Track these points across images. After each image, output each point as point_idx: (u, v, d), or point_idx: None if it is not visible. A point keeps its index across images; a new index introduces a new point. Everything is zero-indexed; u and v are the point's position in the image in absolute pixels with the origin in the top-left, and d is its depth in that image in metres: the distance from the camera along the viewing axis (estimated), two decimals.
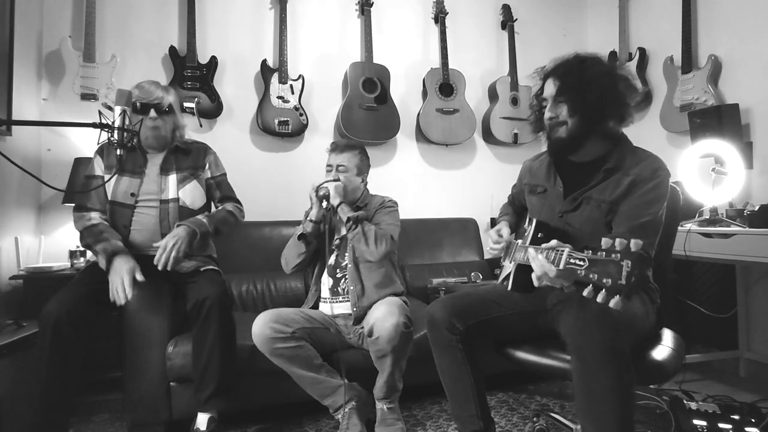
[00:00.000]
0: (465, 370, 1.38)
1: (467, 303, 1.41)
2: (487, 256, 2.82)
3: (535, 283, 1.11)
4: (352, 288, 1.85)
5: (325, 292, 1.91)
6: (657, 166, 1.28)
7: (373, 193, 2.06)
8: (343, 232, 1.92)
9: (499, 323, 1.39)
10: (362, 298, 1.84)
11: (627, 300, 0.89)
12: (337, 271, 1.91)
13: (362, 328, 1.79)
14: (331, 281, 1.91)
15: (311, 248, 1.93)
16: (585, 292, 0.93)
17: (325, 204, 1.86)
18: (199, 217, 1.82)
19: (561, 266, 1.00)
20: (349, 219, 1.82)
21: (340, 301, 1.87)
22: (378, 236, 1.81)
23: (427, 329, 1.43)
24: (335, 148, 1.97)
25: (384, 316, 1.64)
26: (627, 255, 0.88)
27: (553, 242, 1.07)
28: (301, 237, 1.90)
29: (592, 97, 1.27)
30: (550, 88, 1.34)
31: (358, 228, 1.82)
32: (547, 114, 1.36)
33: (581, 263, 0.95)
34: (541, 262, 1.07)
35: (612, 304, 0.89)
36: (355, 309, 1.83)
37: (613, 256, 0.89)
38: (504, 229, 1.49)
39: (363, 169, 2.00)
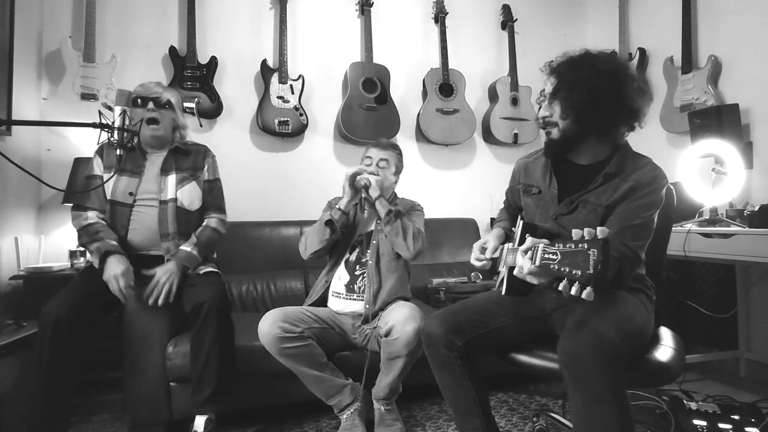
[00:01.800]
0: (466, 385, 1.35)
1: (465, 318, 1.37)
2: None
3: (519, 276, 1.09)
4: (368, 286, 1.83)
5: (339, 287, 1.88)
6: (656, 174, 1.26)
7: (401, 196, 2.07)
8: (368, 228, 1.92)
9: (498, 333, 1.36)
10: (377, 298, 1.82)
11: (599, 290, 0.88)
12: (357, 267, 1.89)
13: (373, 328, 1.77)
14: (348, 277, 1.88)
15: (334, 238, 1.88)
16: (560, 287, 0.93)
17: (363, 195, 1.87)
18: (188, 249, 1.80)
19: (537, 262, 0.99)
20: (390, 211, 1.81)
21: (353, 299, 1.84)
22: (415, 233, 1.81)
23: (424, 347, 1.40)
24: (379, 143, 2.00)
25: (405, 319, 1.63)
26: (593, 243, 0.88)
27: (529, 240, 1.06)
28: (328, 223, 1.85)
29: (583, 98, 1.22)
30: (549, 86, 1.31)
31: (397, 221, 1.81)
32: (541, 112, 1.34)
33: (554, 257, 0.95)
34: (519, 262, 1.06)
35: (584, 295, 0.89)
36: (367, 307, 1.81)
37: (581, 246, 0.90)
38: (491, 242, 1.45)
39: (399, 168, 2.03)
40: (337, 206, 1.88)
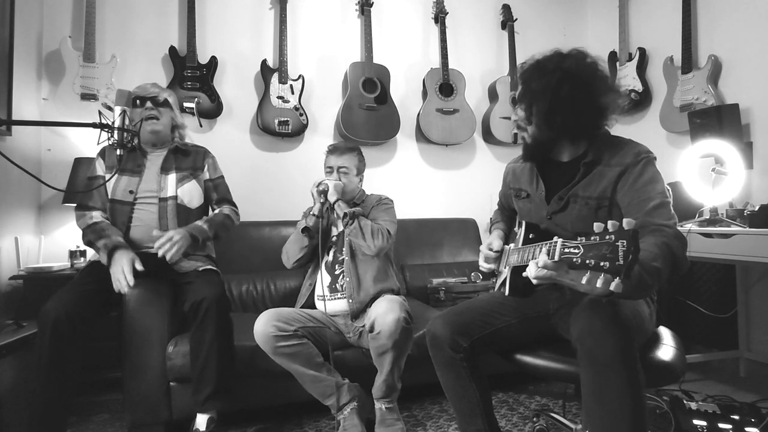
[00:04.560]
0: (470, 387, 1.35)
1: (469, 318, 1.36)
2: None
3: (531, 275, 1.04)
4: (348, 280, 1.86)
5: (322, 290, 1.91)
6: (638, 150, 1.23)
7: (370, 192, 2.10)
8: (341, 228, 1.96)
9: (502, 333, 1.36)
10: (359, 291, 1.86)
11: (627, 280, 0.85)
12: (335, 267, 1.93)
13: (362, 326, 1.79)
14: (329, 278, 1.92)
15: (313, 243, 1.95)
16: (584, 280, 0.90)
17: (322, 200, 1.91)
18: (200, 223, 1.84)
19: (556, 258, 0.96)
20: (345, 215, 1.87)
21: (338, 298, 1.87)
22: (374, 230, 1.85)
23: (428, 348, 1.39)
24: (335, 149, 2.02)
25: (385, 311, 1.65)
26: (621, 235, 0.85)
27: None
28: (305, 230, 1.93)
29: (544, 106, 1.22)
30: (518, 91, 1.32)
31: (354, 222, 1.85)
32: (513, 116, 1.36)
33: (576, 251, 0.91)
34: (537, 258, 1.03)
35: (613, 287, 0.86)
36: (350, 302, 1.84)
37: (608, 238, 0.87)
38: (495, 242, 1.46)
39: (361, 168, 2.07)
40: (311, 213, 1.95)
